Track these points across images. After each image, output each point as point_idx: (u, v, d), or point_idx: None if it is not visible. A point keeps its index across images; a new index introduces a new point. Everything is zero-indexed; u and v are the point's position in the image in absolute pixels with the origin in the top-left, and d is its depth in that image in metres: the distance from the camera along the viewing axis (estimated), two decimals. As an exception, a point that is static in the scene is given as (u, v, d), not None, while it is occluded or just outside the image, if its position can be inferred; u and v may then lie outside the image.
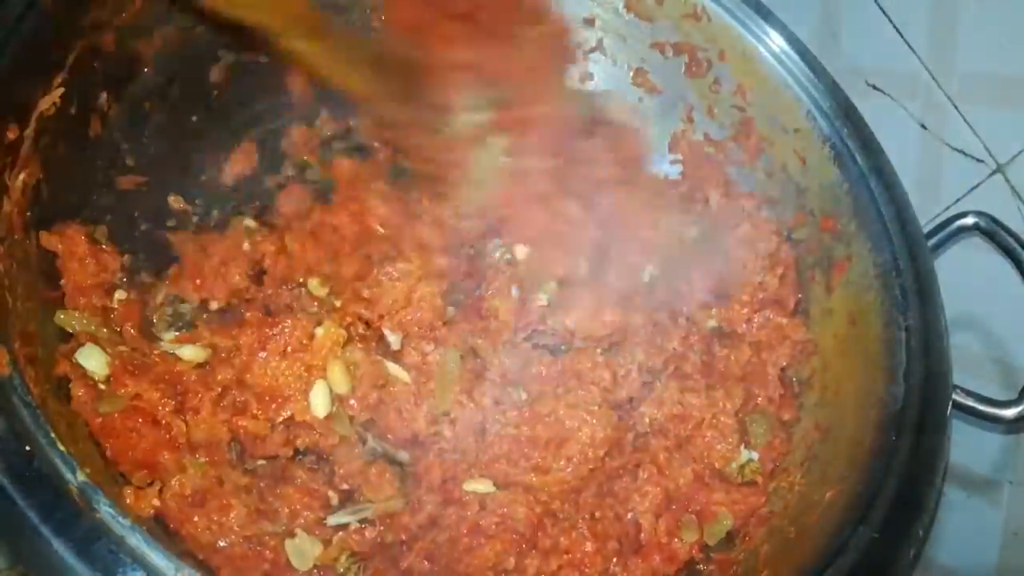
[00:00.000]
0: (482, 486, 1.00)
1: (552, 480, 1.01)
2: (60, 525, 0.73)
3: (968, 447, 1.32)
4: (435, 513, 0.99)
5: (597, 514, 1.02)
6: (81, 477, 0.75)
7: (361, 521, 0.98)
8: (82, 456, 0.78)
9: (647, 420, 1.08)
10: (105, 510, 0.75)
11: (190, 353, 0.98)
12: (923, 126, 1.31)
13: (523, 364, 1.06)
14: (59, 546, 0.72)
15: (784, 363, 1.16)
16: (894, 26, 1.28)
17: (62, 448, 0.76)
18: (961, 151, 1.28)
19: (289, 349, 0.97)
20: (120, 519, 0.75)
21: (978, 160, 1.26)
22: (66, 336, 0.94)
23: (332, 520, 0.96)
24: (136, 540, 0.74)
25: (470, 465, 1.02)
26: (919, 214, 1.13)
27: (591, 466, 1.02)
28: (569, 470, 1.01)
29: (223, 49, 1.16)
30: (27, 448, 0.75)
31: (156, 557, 0.74)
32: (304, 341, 0.97)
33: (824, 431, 1.08)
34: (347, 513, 0.98)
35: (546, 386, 1.05)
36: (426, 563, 0.97)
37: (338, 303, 1.06)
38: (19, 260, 0.90)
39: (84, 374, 0.91)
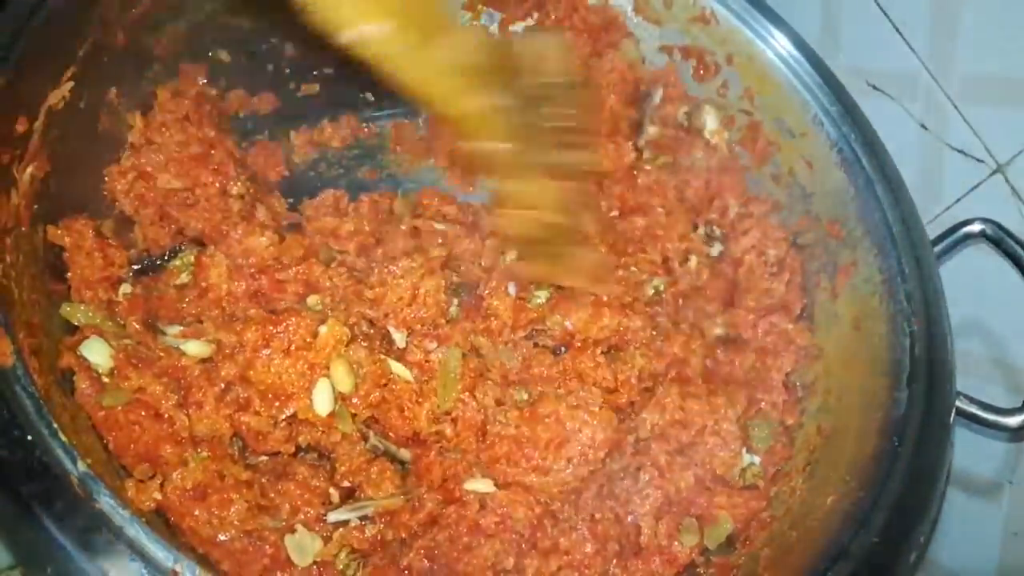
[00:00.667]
0: (482, 485, 1.00)
1: (552, 481, 1.01)
2: (60, 515, 0.74)
3: (969, 448, 1.32)
4: (435, 511, 0.99)
5: (597, 516, 1.02)
6: (82, 468, 0.76)
7: (361, 518, 0.98)
8: (83, 447, 0.79)
9: (648, 425, 1.08)
10: (105, 501, 0.75)
11: (194, 348, 0.98)
12: (923, 126, 1.31)
13: (525, 364, 1.06)
14: (59, 536, 0.73)
15: (789, 368, 1.15)
16: (894, 26, 1.28)
17: (64, 439, 0.77)
18: (961, 151, 1.27)
19: (293, 347, 0.97)
20: (120, 510, 0.75)
21: (978, 160, 1.25)
22: (71, 328, 0.95)
23: (332, 517, 0.97)
24: (135, 531, 0.75)
25: (471, 464, 1.02)
26: (919, 214, 1.12)
27: (591, 468, 1.02)
28: (569, 471, 1.01)
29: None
30: (29, 438, 0.76)
31: (154, 548, 0.75)
32: (308, 339, 0.98)
33: (826, 436, 1.07)
34: (347, 510, 0.98)
35: (548, 386, 1.05)
36: (426, 561, 0.96)
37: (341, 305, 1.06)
38: (26, 252, 0.91)
39: (88, 367, 0.92)
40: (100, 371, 0.93)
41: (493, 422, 1.02)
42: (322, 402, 0.97)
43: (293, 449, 1.00)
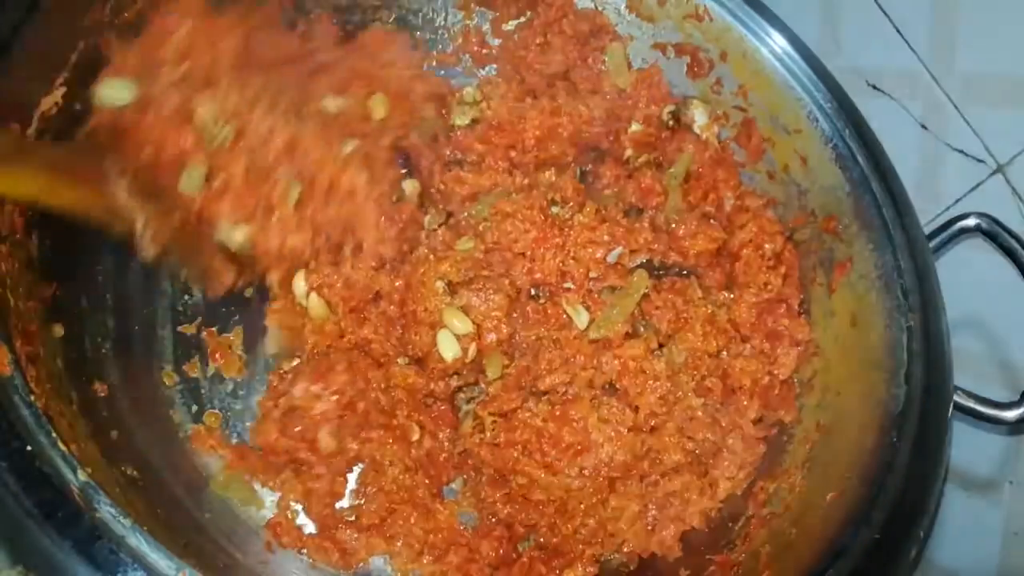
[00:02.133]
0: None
1: (557, 483, 1.01)
2: (61, 525, 0.73)
3: (968, 447, 1.32)
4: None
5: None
6: (82, 477, 0.76)
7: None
8: (83, 456, 0.79)
9: (666, 439, 1.08)
10: (106, 510, 0.75)
11: None
12: (923, 126, 1.31)
13: (604, 344, 1.09)
14: (60, 546, 0.73)
15: (792, 366, 1.15)
16: (894, 26, 1.28)
17: (63, 448, 0.77)
18: (961, 151, 1.28)
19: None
20: (121, 519, 0.75)
21: (978, 160, 1.26)
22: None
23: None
24: (136, 540, 0.75)
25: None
26: (919, 214, 1.13)
27: (600, 480, 1.02)
28: (576, 482, 1.01)
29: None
30: (28, 448, 0.76)
31: (156, 557, 0.75)
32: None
33: (825, 432, 1.08)
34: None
35: (585, 389, 1.06)
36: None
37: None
38: (20, 260, 0.91)
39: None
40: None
41: (523, 409, 1.03)
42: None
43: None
